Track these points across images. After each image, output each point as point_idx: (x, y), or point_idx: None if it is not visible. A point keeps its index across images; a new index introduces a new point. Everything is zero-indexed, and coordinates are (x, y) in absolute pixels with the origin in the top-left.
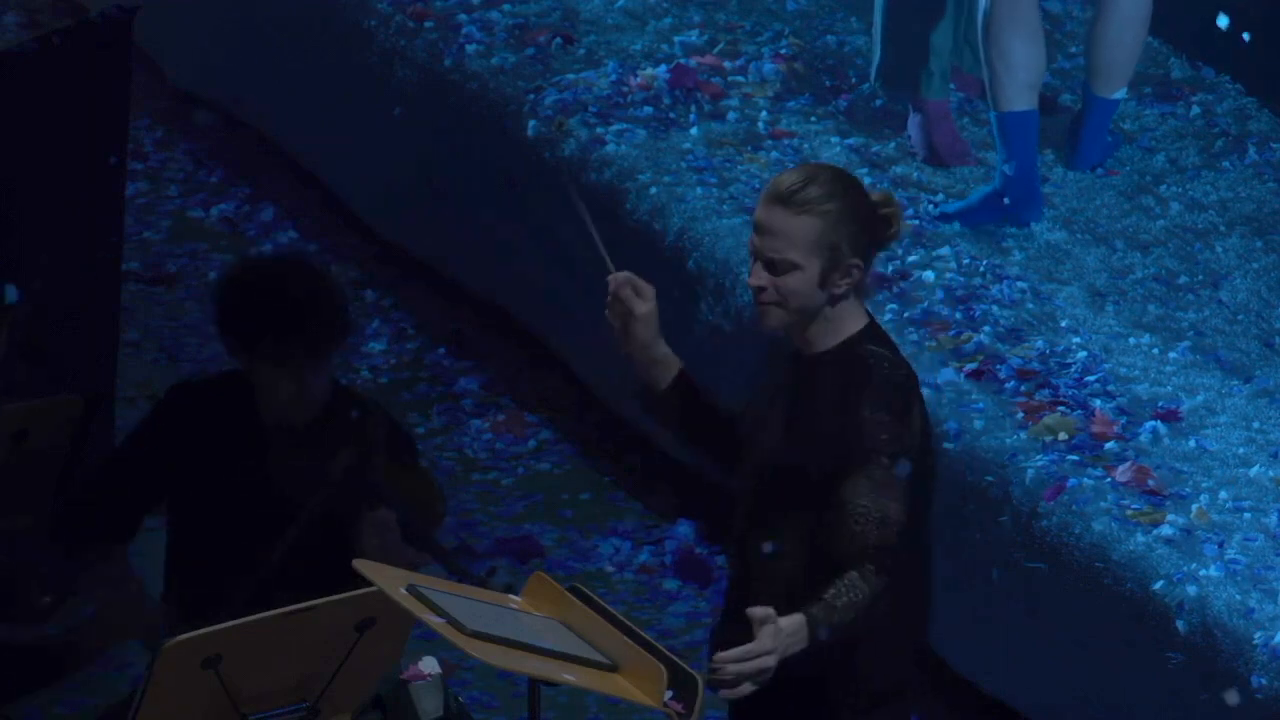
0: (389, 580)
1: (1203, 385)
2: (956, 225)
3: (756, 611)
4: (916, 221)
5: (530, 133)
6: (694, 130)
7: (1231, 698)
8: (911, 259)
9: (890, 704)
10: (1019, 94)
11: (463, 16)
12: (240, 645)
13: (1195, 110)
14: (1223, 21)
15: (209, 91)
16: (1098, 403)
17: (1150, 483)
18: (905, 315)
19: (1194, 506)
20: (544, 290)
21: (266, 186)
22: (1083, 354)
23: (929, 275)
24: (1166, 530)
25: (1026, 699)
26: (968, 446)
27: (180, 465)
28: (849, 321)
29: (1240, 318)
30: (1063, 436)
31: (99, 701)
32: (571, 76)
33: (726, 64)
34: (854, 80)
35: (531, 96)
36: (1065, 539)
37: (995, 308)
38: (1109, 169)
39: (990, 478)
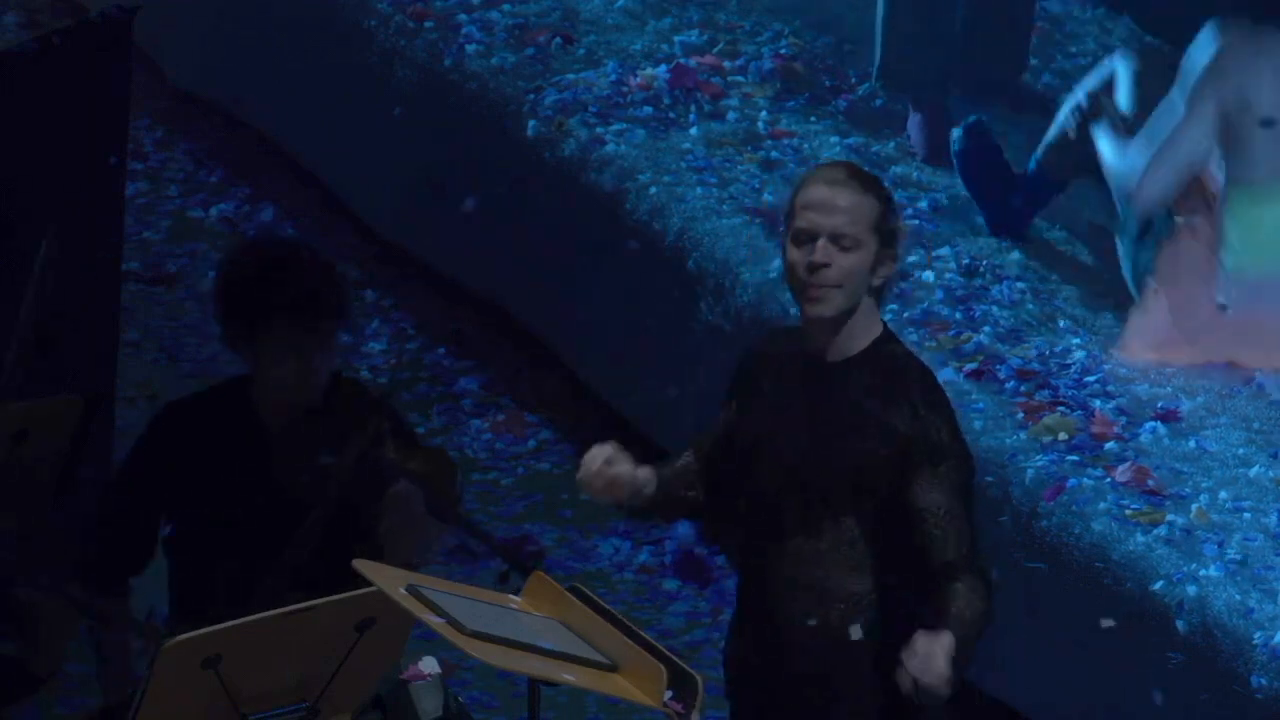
0: (389, 580)
1: (1202, 386)
2: (957, 225)
3: (905, 681)
4: (916, 221)
5: (530, 133)
6: (694, 130)
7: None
8: (911, 259)
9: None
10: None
11: (463, 16)
12: (240, 645)
13: None
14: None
15: (209, 91)
16: (1097, 403)
17: (1150, 483)
18: (905, 315)
19: (1194, 506)
20: (544, 290)
21: (266, 186)
22: (1082, 354)
23: (929, 275)
24: (1166, 530)
25: (1026, 699)
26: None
27: (180, 482)
28: (870, 325)
29: None
30: (1063, 436)
31: (99, 701)
32: (571, 76)
33: (726, 64)
34: (854, 80)
35: (531, 96)
36: (1065, 539)
37: (995, 308)
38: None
39: (990, 478)
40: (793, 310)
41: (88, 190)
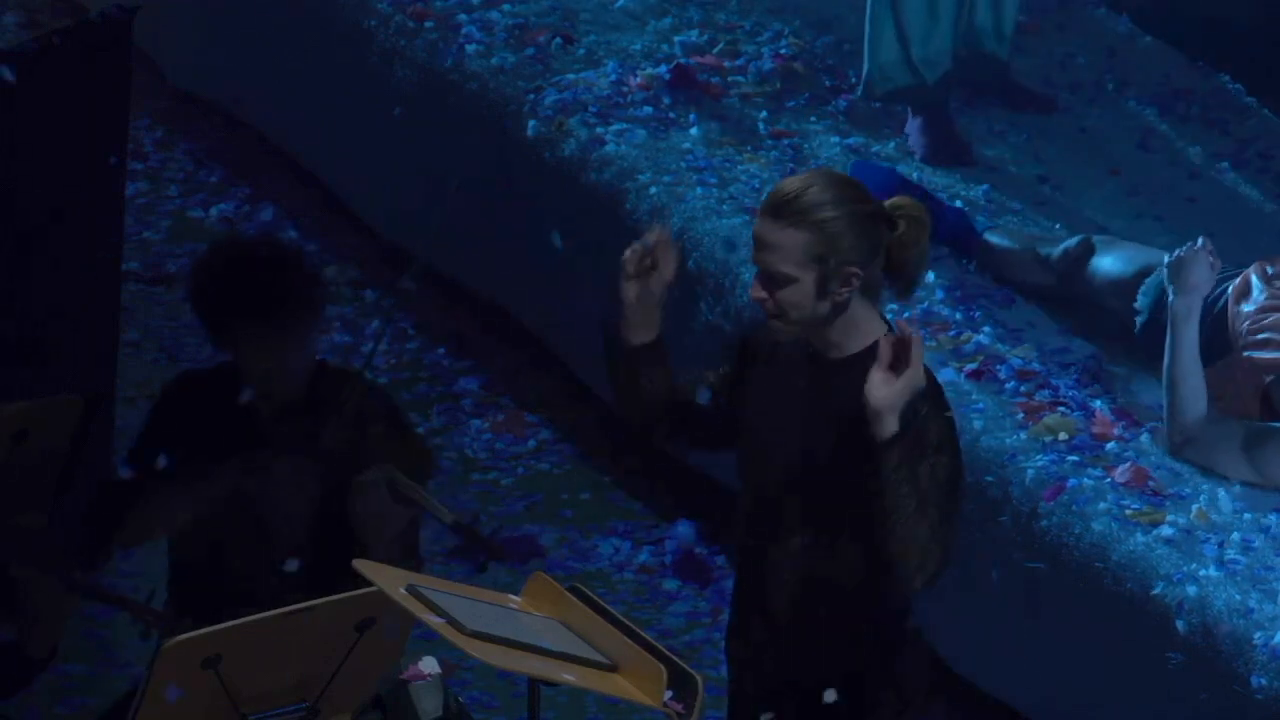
0: (389, 580)
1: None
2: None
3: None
4: None
5: (530, 133)
6: (694, 130)
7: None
8: None
9: (921, 704)
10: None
11: (463, 16)
12: (240, 645)
13: (1195, 110)
14: None
15: (209, 91)
16: (1097, 403)
17: (1150, 483)
18: (905, 315)
19: (1194, 507)
20: (544, 290)
21: (266, 186)
22: (1082, 354)
23: (929, 275)
24: (1166, 530)
25: (1026, 699)
26: (968, 446)
27: (185, 453)
28: (870, 324)
29: None
30: (1063, 436)
31: (99, 701)
32: (571, 76)
33: (726, 64)
34: (854, 80)
35: (531, 96)
36: (1065, 539)
37: (995, 308)
38: (1111, 170)
39: (990, 478)
40: None
41: (88, 190)
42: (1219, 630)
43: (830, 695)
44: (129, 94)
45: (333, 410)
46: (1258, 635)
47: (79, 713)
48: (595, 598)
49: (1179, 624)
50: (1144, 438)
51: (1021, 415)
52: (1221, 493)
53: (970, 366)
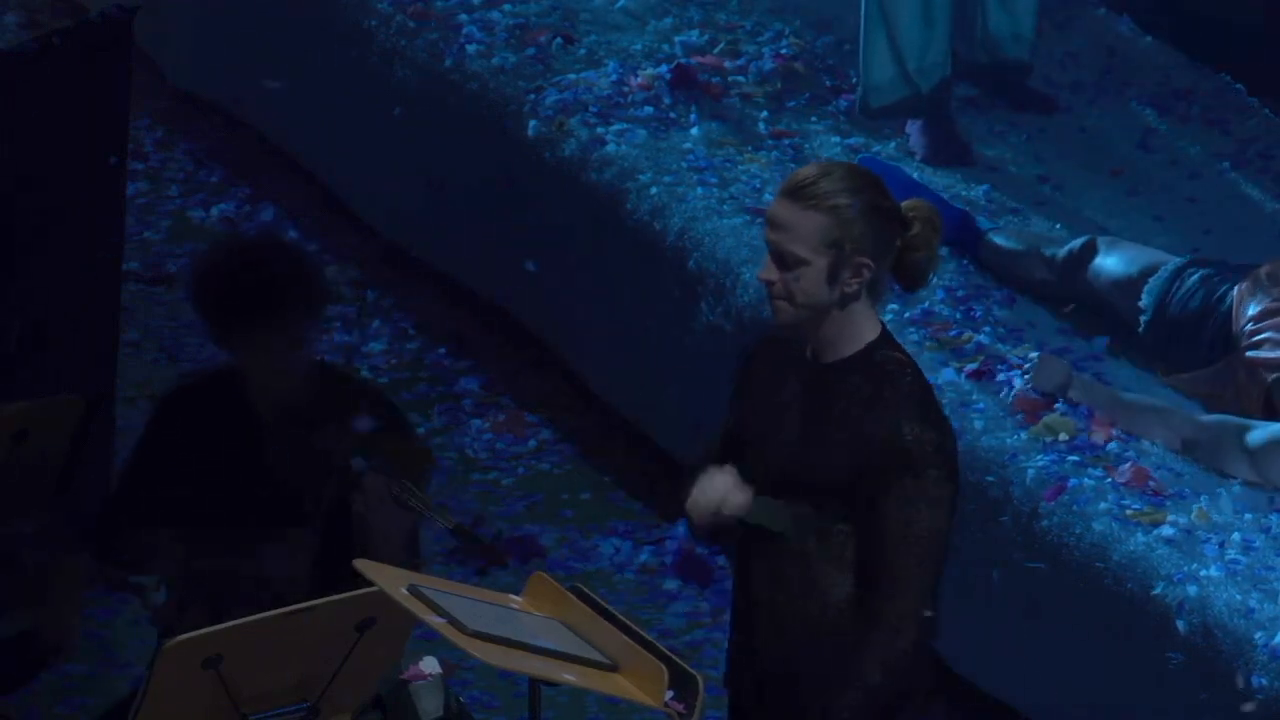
0: (389, 580)
1: None
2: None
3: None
4: None
5: (530, 133)
6: (694, 130)
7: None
8: None
9: (905, 708)
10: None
11: (463, 16)
12: (240, 645)
13: (1195, 110)
14: None
15: (209, 91)
16: None
17: (1150, 483)
18: (905, 315)
19: (1194, 507)
20: (544, 290)
21: (266, 186)
22: (1082, 354)
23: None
24: (1167, 530)
25: (1026, 699)
26: (968, 446)
27: (182, 466)
28: (864, 327)
29: None
30: (1063, 437)
31: (99, 701)
32: (572, 76)
33: (726, 64)
34: (854, 80)
35: (532, 96)
36: (1065, 539)
37: (995, 308)
38: (1111, 170)
39: (990, 478)
40: None
41: (88, 190)
42: (1219, 630)
43: None
44: (129, 94)
45: (335, 414)
46: (1258, 635)
47: (79, 713)
48: (596, 598)
49: (1179, 624)
50: (1144, 438)
51: (1021, 415)
52: (1222, 493)
53: (970, 366)
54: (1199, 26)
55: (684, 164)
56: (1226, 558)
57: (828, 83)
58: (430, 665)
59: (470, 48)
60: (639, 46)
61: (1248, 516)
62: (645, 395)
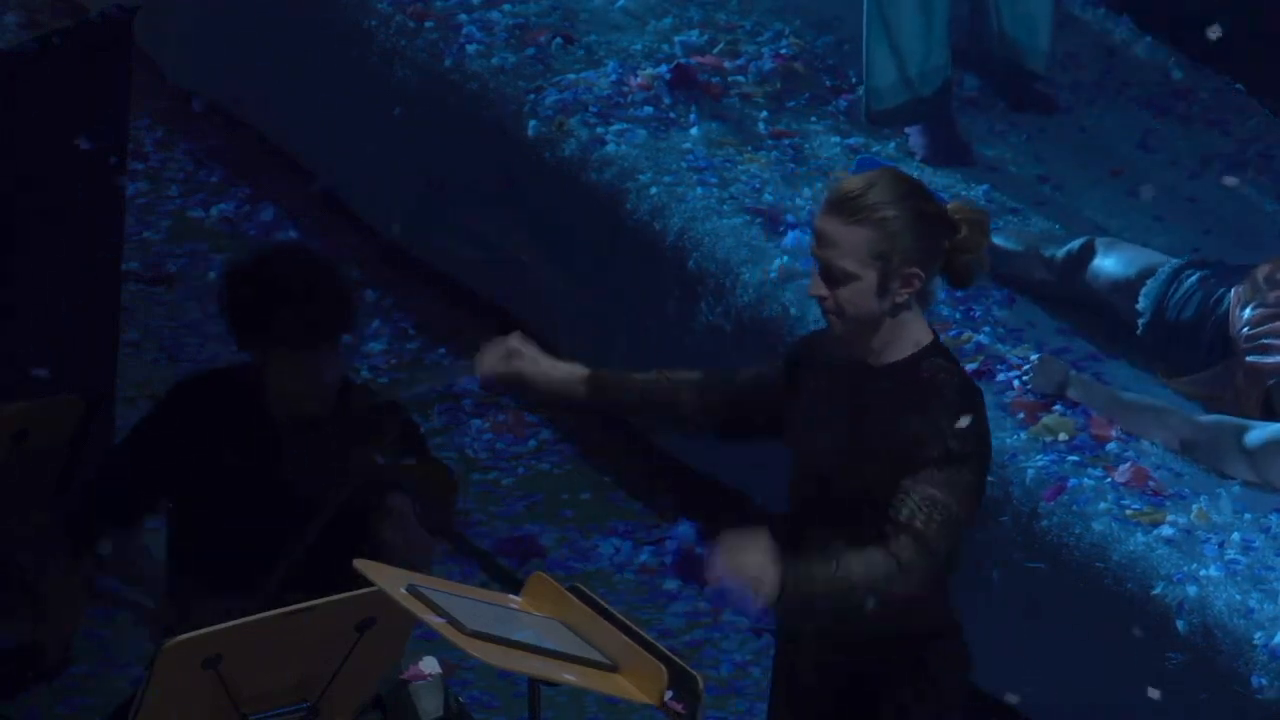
0: (389, 580)
1: None
2: None
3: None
4: None
5: (530, 133)
6: (694, 130)
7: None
8: None
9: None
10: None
11: (463, 16)
12: (240, 645)
13: (1195, 110)
14: (1214, 33)
15: (209, 91)
16: None
17: (1150, 483)
18: None
19: (1194, 507)
20: (544, 290)
21: (266, 186)
22: (1082, 354)
23: None
24: (1166, 530)
25: (1026, 699)
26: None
27: (187, 458)
28: (915, 333)
29: None
30: (1063, 437)
31: (99, 701)
32: (571, 76)
33: (726, 64)
34: (854, 80)
35: (531, 96)
36: (1065, 539)
37: (995, 308)
38: (1111, 170)
39: (990, 478)
40: (793, 310)
41: (88, 190)
42: (1219, 630)
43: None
44: (129, 94)
45: (356, 432)
46: (1258, 635)
47: (79, 713)
48: (595, 598)
49: (1179, 624)
50: (1144, 438)
51: (1021, 415)
52: (1222, 493)
53: (970, 366)
54: (1199, 26)
55: (684, 164)
56: (1226, 557)
57: (828, 83)
58: (430, 665)
59: (470, 48)
60: (639, 46)
61: (1247, 516)
62: None
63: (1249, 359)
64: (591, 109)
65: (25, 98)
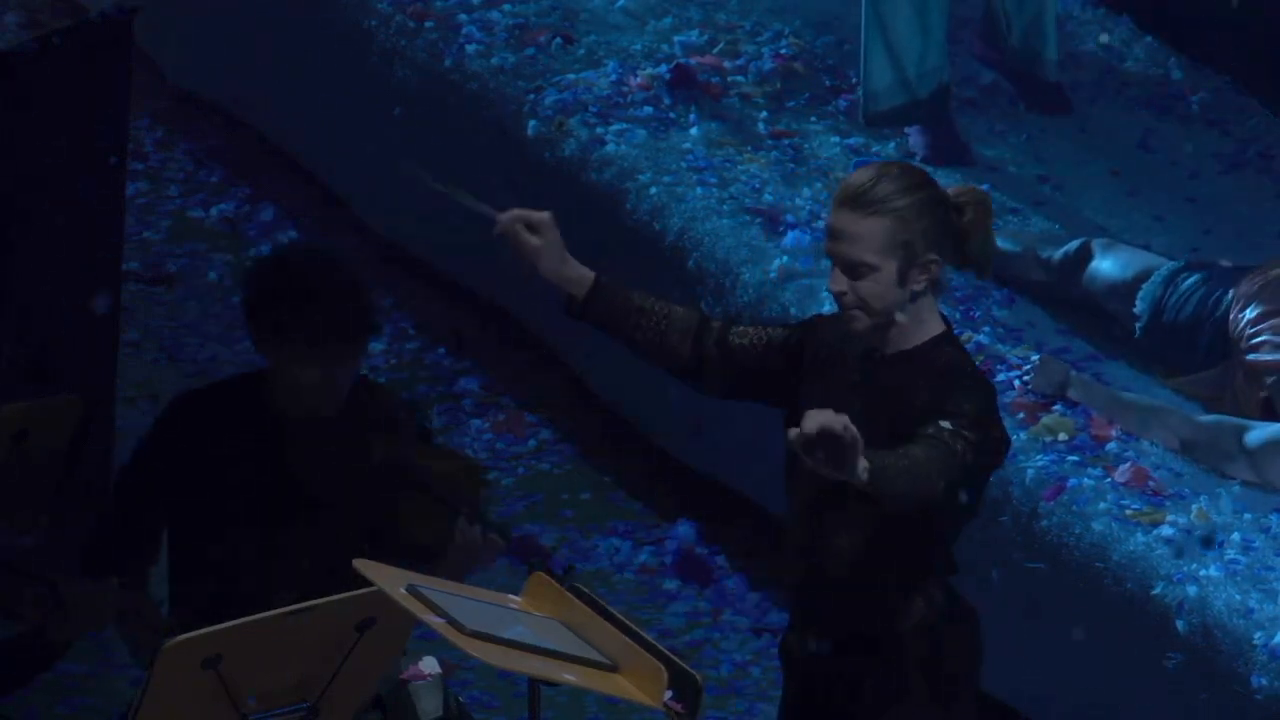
0: (389, 580)
1: None
2: None
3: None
4: None
5: (530, 133)
6: (694, 130)
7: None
8: None
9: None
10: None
11: (463, 16)
12: (240, 645)
13: (1195, 110)
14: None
15: (209, 91)
16: None
17: (1150, 483)
18: None
19: (1194, 507)
20: (544, 290)
21: (266, 186)
22: (1081, 354)
23: None
24: (1166, 530)
25: (1026, 699)
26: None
27: (189, 474)
28: (928, 322)
29: None
30: (1063, 437)
31: (99, 701)
32: (571, 76)
33: (726, 64)
34: (854, 80)
35: (531, 96)
36: (1065, 539)
37: (994, 308)
38: (1111, 169)
39: (990, 478)
40: (793, 310)
41: (88, 190)
42: (1219, 630)
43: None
44: (129, 94)
45: (370, 429)
46: (1258, 635)
47: (79, 713)
48: (595, 598)
49: (1179, 624)
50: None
51: (1021, 415)
52: (1222, 493)
53: None
54: (1199, 26)
55: (684, 164)
56: (1226, 557)
57: (827, 83)
58: (430, 665)
59: (470, 48)
60: (638, 46)
61: (1247, 516)
62: (645, 395)
63: (1250, 358)
64: (591, 109)
65: (25, 98)
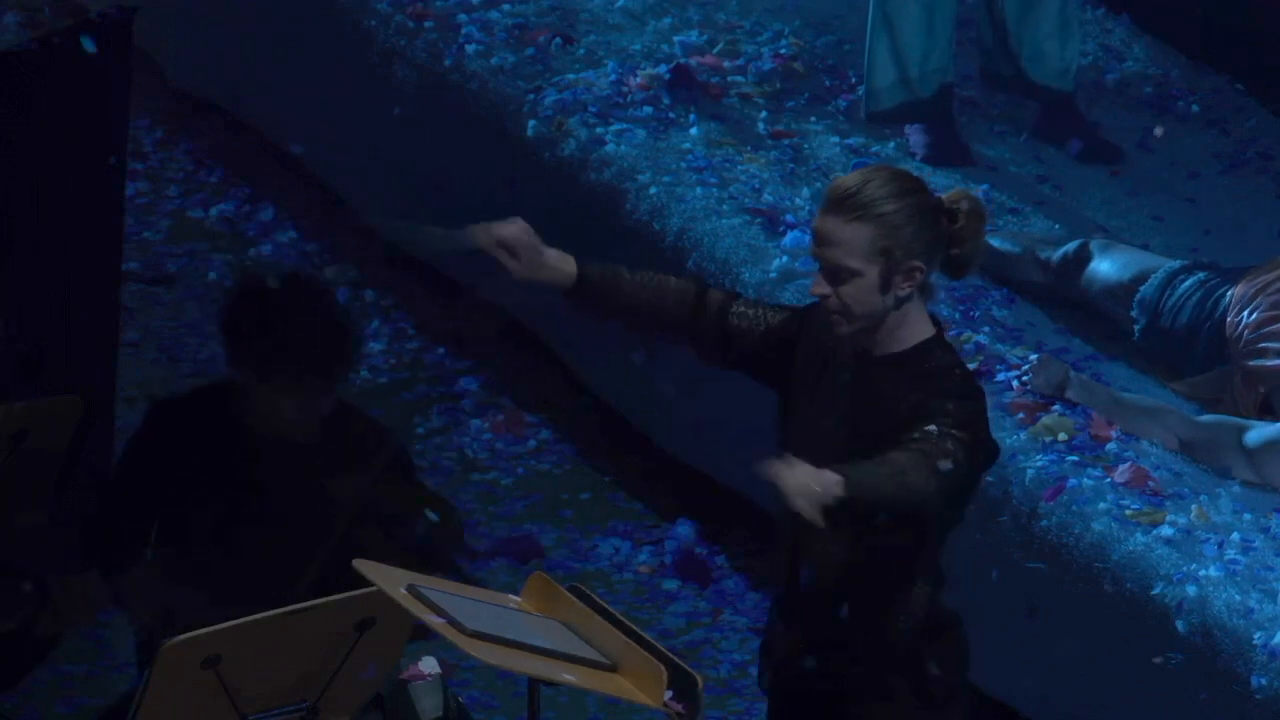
0: (389, 580)
1: None
2: None
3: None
4: None
5: (530, 133)
6: (694, 130)
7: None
8: None
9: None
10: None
11: (463, 16)
12: (240, 645)
13: (1195, 110)
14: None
15: (209, 91)
16: None
17: (1150, 483)
18: None
19: (1193, 507)
20: (544, 290)
21: (266, 186)
22: (1081, 354)
23: None
24: (1166, 530)
25: (1026, 699)
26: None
27: (165, 481)
28: (917, 325)
29: None
30: (1062, 437)
31: (99, 701)
32: (571, 76)
33: (726, 64)
34: (854, 80)
35: (531, 96)
36: (1065, 539)
37: (994, 308)
38: (1112, 169)
39: (990, 478)
40: None
41: (88, 190)
42: (1219, 630)
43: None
44: (129, 94)
45: (350, 456)
46: (1258, 635)
47: (79, 713)
48: (595, 598)
49: (1179, 624)
50: (1144, 439)
51: (1021, 415)
52: (1221, 493)
53: (970, 366)
54: (1199, 26)
55: (683, 164)
56: (1226, 557)
57: (827, 83)
58: (430, 665)
59: (470, 48)
60: (638, 46)
61: (1247, 516)
62: (645, 395)
63: (1251, 364)
64: (591, 109)
65: (25, 98)
